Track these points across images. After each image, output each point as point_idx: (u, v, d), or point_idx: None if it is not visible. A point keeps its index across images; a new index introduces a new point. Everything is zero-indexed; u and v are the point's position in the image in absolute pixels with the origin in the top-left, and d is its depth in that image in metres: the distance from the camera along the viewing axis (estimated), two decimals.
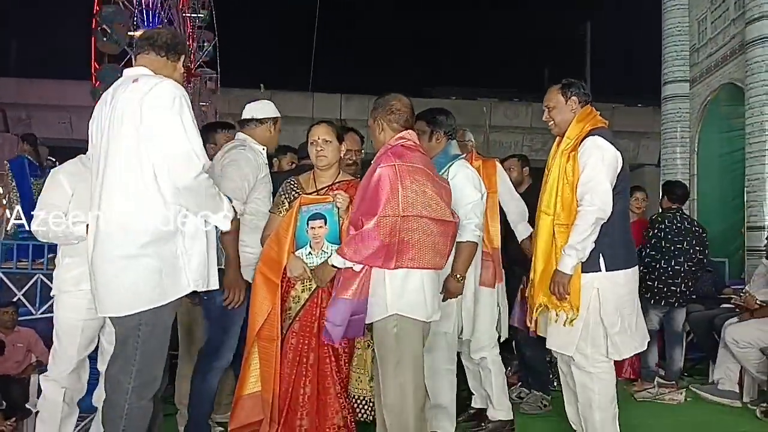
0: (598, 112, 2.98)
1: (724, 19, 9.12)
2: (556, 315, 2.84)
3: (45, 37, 18.68)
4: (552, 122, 3.03)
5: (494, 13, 21.47)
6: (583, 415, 2.92)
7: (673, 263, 4.52)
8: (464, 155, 3.33)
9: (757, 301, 4.41)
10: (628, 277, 2.88)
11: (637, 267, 2.99)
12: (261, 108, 3.17)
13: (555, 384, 3.90)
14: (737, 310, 4.63)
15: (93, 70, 13.71)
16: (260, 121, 3.13)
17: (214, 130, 3.57)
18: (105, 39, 13.21)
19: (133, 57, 2.62)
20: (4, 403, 4.32)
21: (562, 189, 2.83)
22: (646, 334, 3.02)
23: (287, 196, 2.96)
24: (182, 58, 2.43)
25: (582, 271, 2.79)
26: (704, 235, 4.69)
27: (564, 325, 2.81)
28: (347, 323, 2.57)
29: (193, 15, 16.99)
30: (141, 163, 2.18)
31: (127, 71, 2.39)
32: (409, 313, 2.54)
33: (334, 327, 2.58)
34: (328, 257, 2.70)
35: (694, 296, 5.01)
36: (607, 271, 2.80)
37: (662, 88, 10.34)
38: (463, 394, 3.54)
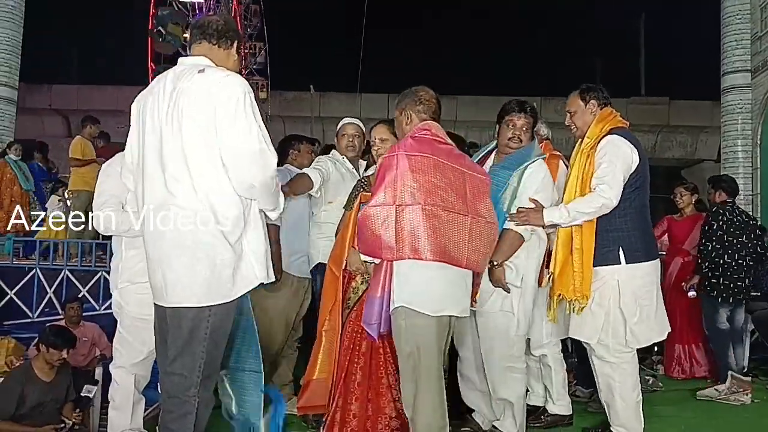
0: (618, 113, 3.12)
1: None
2: (570, 304, 2.96)
3: (104, 44, 19.37)
4: (573, 126, 3.17)
5: (545, 8, 21.09)
6: (606, 401, 3.03)
7: (736, 257, 4.38)
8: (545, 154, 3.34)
9: None
10: (648, 270, 3.01)
11: (657, 260, 3.10)
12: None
13: None
14: None
15: (150, 71, 14.16)
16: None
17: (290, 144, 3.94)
18: (161, 40, 13.65)
19: (188, 48, 2.71)
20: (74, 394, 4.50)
21: (580, 186, 2.98)
22: (666, 324, 3.09)
23: (357, 193, 3.08)
24: (235, 43, 2.40)
25: (602, 264, 2.94)
26: (760, 228, 4.53)
27: (575, 312, 2.96)
28: (381, 319, 2.54)
29: (244, 22, 17.38)
30: (216, 156, 2.17)
31: (186, 60, 2.36)
32: (414, 305, 2.46)
33: (368, 325, 2.58)
34: None
35: (757, 293, 4.83)
36: (626, 263, 2.93)
37: (722, 78, 9.98)
38: None
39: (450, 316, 2.55)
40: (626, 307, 2.93)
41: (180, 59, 2.39)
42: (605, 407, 3.06)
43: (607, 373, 2.99)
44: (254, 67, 18.65)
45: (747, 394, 4.14)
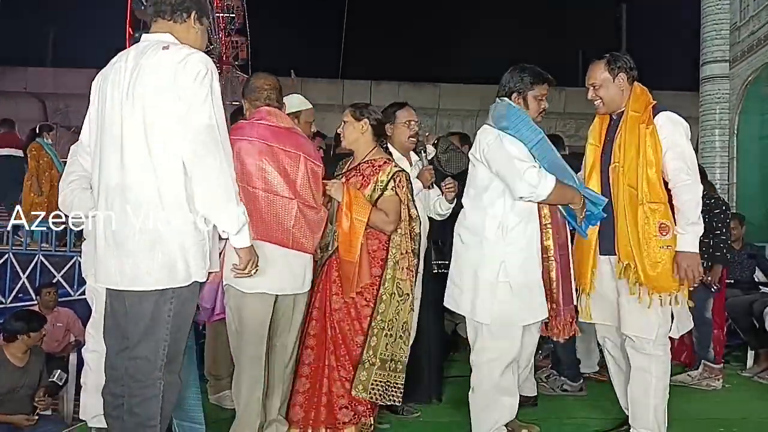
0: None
1: None
2: (650, 299, 2.72)
3: (81, 26, 19.02)
4: (599, 100, 2.89)
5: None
6: (635, 401, 2.83)
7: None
8: None
9: None
10: None
11: None
12: (285, 104, 3.19)
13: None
14: None
15: (127, 37, 13.85)
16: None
17: None
18: (142, 7, 13.51)
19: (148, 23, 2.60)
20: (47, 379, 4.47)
21: (645, 166, 2.71)
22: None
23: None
24: (193, 13, 2.28)
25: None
26: (721, 212, 4.43)
27: (661, 305, 2.73)
28: (217, 301, 2.95)
29: (225, 15, 17.22)
30: (177, 136, 2.10)
31: (150, 36, 2.27)
32: (234, 283, 2.59)
33: (203, 309, 2.91)
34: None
35: (731, 280, 4.88)
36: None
37: (701, 68, 10.08)
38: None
39: (274, 294, 2.66)
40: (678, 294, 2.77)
41: (143, 35, 2.30)
42: (629, 406, 2.88)
43: (644, 368, 2.78)
44: (237, 63, 18.49)
45: (718, 380, 4.21)
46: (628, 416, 2.95)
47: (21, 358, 4.29)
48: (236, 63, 18.55)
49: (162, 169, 2.12)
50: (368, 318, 2.83)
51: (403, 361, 2.89)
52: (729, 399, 3.96)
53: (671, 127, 2.75)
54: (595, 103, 2.91)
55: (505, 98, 2.91)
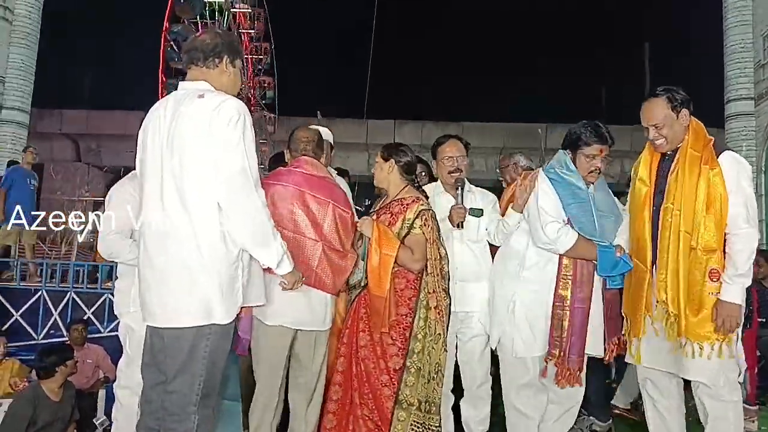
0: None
1: None
2: (703, 348, 2.61)
3: (115, 70, 19.73)
4: (662, 140, 2.73)
5: (550, 35, 21.37)
6: None
7: None
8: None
9: None
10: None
11: None
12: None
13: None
14: None
15: (161, 83, 14.31)
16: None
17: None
18: (175, 58, 13.97)
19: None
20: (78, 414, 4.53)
21: (705, 211, 2.58)
22: None
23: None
24: (225, 57, 2.36)
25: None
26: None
27: (710, 357, 2.60)
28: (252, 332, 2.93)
29: (248, 31, 17.72)
30: (213, 180, 2.20)
31: (186, 84, 2.36)
32: (259, 315, 2.74)
33: (242, 338, 2.87)
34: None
35: (763, 319, 4.79)
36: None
37: (726, 106, 10.06)
38: None
39: (293, 329, 2.78)
40: (738, 336, 2.67)
41: (181, 83, 2.41)
42: None
43: (722, 416, 2.64)
44: (264, 102, 18.97)
45: (753, 422, 4.10)
46: None
47: (57, 392, 4.38)
48: (263, 102, 18.99)
49: (198, 210, 2.21)
50: (393, 357, 2.85)
51: (437, 403, 2.89)
52: None
53: (737, 169, 2.62)
54: (657, 142, 2.76)
55: (566, 150, 3.00)
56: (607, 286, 2.93)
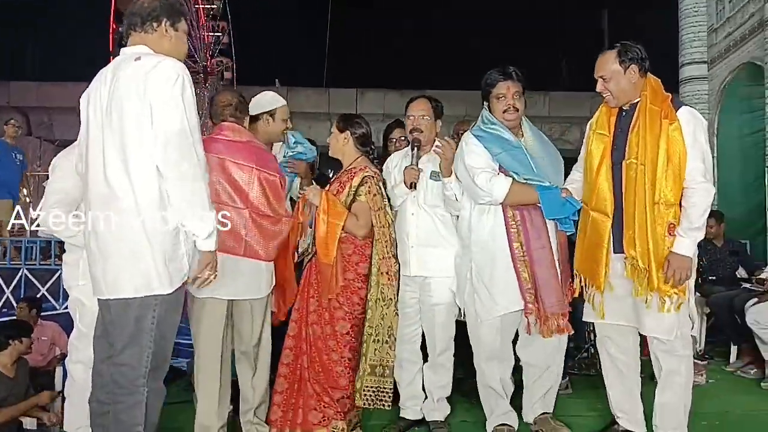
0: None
1: None
2: (665, 302, 2.65)
3: (63, 40, 18.94)
4: (609, 94, 2.78)
5: (510, 3, 21.29)
6: (665, 404, 2.79)
7: None
8: None
9: None
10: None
11: None
12: (254, 104, 3.24)
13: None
14: (757, 290, 4.57)
15: (111, 32, 13.70)
16: (255, 117, 3.20)
17: None
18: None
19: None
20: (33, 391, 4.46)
21: (668, 165, 2.61)
22: None
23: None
24: (164, 21, 2.28)
25: None
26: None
27: (670, 311, 2.66)
28: None
29: (206, 6, 17.18)
30: (149, 143, 2.13)
31: (126, 50, 2.31)
32: (193, 291, 2.67)
33: None
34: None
35: (713, 277, 4.95)
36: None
37: (680, 70, 10.22)
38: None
39: (225, 299, 2.77)
40: (691, 290, 2.75)
41: (122, 49, 2.33)
42: (656, 410, 2.83)
43: (676, 370, 2.74)
44: (219, 47, 18.48)
45: (702, 375, 4.25)
46: (615, 415, 3.00)
47: (10, 369, 4.30)
48: (221, 83, 18.55)
49: (137, 176, 2.15)
50: (340, 320, 2.90)
51: (391, 366, 2.96)
52: (712, 394, 4.00)
53: (694, 124, 2.66)
54: (604, 96, 2.81)
55: (484, 103, 3.00)
56: (558, 229, 2.92)
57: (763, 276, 4.63)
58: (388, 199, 3.07)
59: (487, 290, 2.92)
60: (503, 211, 2.89)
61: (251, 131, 3.21)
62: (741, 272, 5.48)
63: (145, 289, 2.17)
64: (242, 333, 2.88)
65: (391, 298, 2.93)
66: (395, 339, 2.99)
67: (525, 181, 2.86)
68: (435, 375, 3.18)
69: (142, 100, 2.12)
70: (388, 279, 2.94)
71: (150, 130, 2.13)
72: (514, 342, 3.10)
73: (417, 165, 3.07)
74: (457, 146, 3.02)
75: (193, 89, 2.23)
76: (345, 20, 18.86)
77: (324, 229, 2.86)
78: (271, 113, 3.22)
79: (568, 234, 2.98)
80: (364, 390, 2.93)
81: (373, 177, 2.97)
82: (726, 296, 4.85)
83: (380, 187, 2.99)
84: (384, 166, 3.34)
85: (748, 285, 4.99)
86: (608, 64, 2.76)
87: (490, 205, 2.90)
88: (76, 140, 2.50)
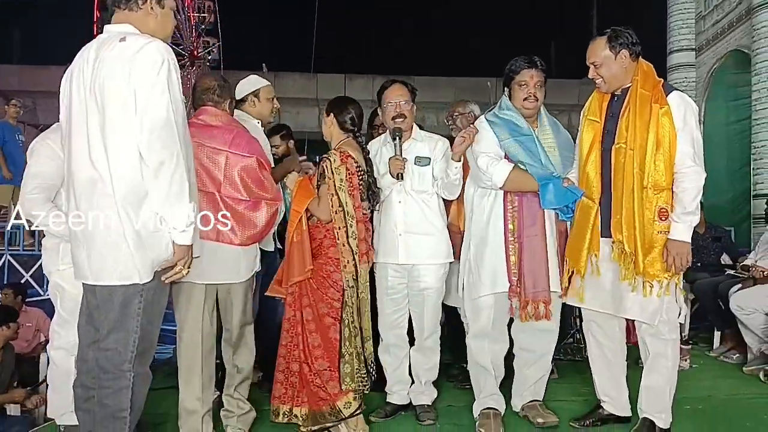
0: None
1: None
2: (653, 286, 2.67)
3: (47, 23, 18.63)
4: (600, 79, 2.79)
5: None
6: (651, 387, 2.82)
7: None
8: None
9: (764, 273, 4.38)
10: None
11: None
12: (239, 88, 3.33)
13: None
14: (741, 276, 4.61)
15: (95, 19, 13.48)
16: (242, 100, 3.28)
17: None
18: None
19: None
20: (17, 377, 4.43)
21: (656, 149, 2.61)
22: None
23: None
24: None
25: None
26: None
27: (660, 296, 2.67)
28: None
29: (197, 14, 16.97)
30: (132, 128, 2.08)
31: (110, 27, 2.23)
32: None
33: None
34: None
35: (698, 263, 4.99)
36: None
37: (668, 57, 10.25)
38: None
39: (202, 284, 2.74)
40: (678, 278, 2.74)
41: (106, 27, 2.26)
42: (642, 393, 2.86)
43: (662, 353, 2.77)
44: (204, 27, 18.26)
45: (686, 360, 4.29)
46: (600, 399, 3.03)
47: None
48: (208, 64, 18.32)
49: (116, 161, 2.09)
50: (320, 303, 2.88)
51: (369, 329, 2.97)
52: (696, 378, 4.05)
53: (684, 108, 2.65)
54: (596, 82, 2.81)
55: (505, 89, 3.03)
56: (560, 218, 2.93)
57: (747, 262, 4.67)
58: (371, 182, 3.01)
59: (478, 270, 2.97)
60: (504, 195, 2.93)
61: (244, 113, 3.25)
62: (725, 259, 5.53)
63: (128, 278, 2.13)
64: (223, 315, 2.89)
65: (352, 286, 2.89)
66: (362, 326, 2.94)
67: (526, 170, 2.87)
68: (423, 357, 3.19)
69: (127, 84, 2.07)
70: (351, 263, 2.90)
71: (134, 115, 2.07)
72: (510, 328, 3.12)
73: (401, 154, 3.04)
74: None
75: (179, 73, 2.18)
76: (333, 5, 18.70)
77: (291, 214, 2.92)
78: (255, 93, 3.32)
79: (569, 221, 2.97)
80: (344, 374, 2.89)
81: (329, 158, 2.90)
82: (710, 282, 4.90)
83: (335, 168, 2.88)
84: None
85: (732, 271, 5.03)
86: (599, 50, 2.76)
87: (491, 189, 2.93)
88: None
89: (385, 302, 3.14)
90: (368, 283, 2.99)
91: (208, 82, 2.93)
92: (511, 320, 3.09)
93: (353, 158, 2.91)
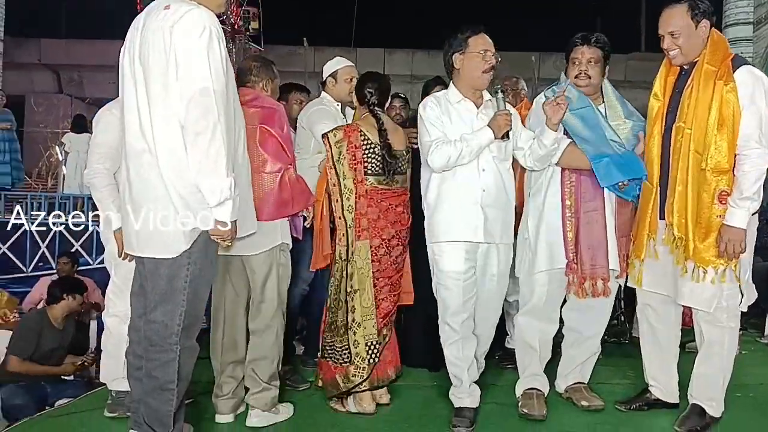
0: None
1: None
2: (707, 272, 2.57)
3: None
4: (677, 50, 2.62)
5: None
6: (703, 374, 2.74)
7: None
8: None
9: None
10: (755, 219, 2.66)
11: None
12: (325, 68, 3.58)
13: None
14: None
15: (138, 6, 13.73)
16: (324, 83, 3.56)
17: (288, 91, 3.75)
18: None
19: None
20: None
21: (717, 130, 2.48)
22: None
23: None
24: None
25: None
26: None
27: (714, 282, 2.57)
28: None
29: None
30: (174, 98, 2.06)
31: None
32: None
33: None
34: None
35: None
36: (751, 214, 2.56)
37: (723, 31, 9.78)
38: None
39: (224, 255, 2.64)
40: (743, 265, 2.62)
41: None
42: (692, 379, 2.79)
43: (717, 340, 2.66)
44: (249, 33, 18.27)
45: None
46: (648, 384, 2.98)
47: (60, 322, 4.46)
48: (248, 34, 18.33)
49: (166, 132, 2.08)
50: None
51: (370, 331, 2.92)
52: (746, 365, 3.91)
53: (752, 84, 2.49)
54: (671, 53, 2.64)
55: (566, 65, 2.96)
56: (626, 198, 2.86)
57: None
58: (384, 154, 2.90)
59: (535, 246, 2.92)
60: (561, 171, 2.88)
61: (327, 95, 3.51)
62: None
63: (175, 251, 2.14)
64: (251, 284, 2.85)
65: (344, 259, 2.93)
66: (361, 304, 2.89)
67: (583, 147, 2.81)
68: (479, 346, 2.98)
69: (167, 52, 2.04)
70: (341, 239, 2.95)
71: (175, 84, 2.05)
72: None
73: (505, 108, 2.77)
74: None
75: (224, 43, 2.13)
76: None
77: (315, 204, 3.07)
78: (333, 75, 3.49)
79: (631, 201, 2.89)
80: (327, 347, 2.99)
81: (326, 134, 2.95)
82: (763, 266, 4.75)
83: (334, 143, 2.91)
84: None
85: None
86: (678, 19, 2.61)
87: (549, 165, 2.88)
88: (106, 97, 2.48)
89: (453, 290, 2.77)
90: (369, 260, 2.90)
91: (247, 63, 2.99)
92: (564, 301, 3.04)
93: (362, 132, 2.92)
